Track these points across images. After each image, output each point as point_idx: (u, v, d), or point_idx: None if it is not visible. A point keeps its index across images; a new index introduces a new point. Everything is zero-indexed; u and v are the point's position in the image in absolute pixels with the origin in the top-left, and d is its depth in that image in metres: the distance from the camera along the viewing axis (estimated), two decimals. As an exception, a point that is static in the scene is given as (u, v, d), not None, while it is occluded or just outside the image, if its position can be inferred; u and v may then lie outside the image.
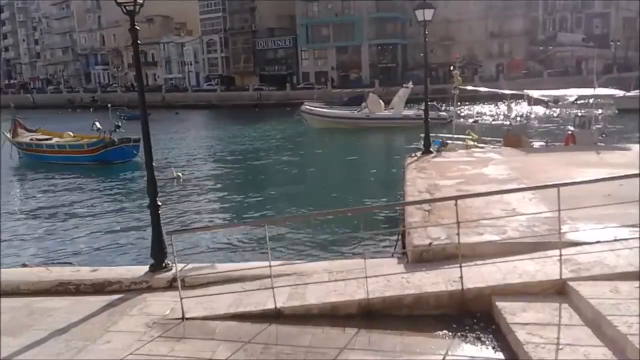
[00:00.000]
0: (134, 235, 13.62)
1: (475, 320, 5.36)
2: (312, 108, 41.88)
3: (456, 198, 5.55)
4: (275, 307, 5.74)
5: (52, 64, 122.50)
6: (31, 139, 30.29)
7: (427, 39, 15.06)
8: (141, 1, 6.90)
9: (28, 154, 30.15)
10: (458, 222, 5.47)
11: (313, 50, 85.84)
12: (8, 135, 30.87)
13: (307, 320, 5.61)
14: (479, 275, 5.80)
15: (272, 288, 5.79)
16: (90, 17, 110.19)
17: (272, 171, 25.18)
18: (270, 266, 5.82)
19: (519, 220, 7.32)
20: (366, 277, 5.68)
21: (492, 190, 8.12)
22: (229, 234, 11.89)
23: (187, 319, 5.78)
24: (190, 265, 7.26)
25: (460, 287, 5.53)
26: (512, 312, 5.10)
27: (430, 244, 6.69)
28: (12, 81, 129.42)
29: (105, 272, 7.14)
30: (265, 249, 6.26)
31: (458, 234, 5.54)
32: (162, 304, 6.24)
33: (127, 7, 6.91)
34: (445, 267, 6.05)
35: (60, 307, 6.38)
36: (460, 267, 5.50)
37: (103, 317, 6.01)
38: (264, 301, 5.94)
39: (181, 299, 5.86)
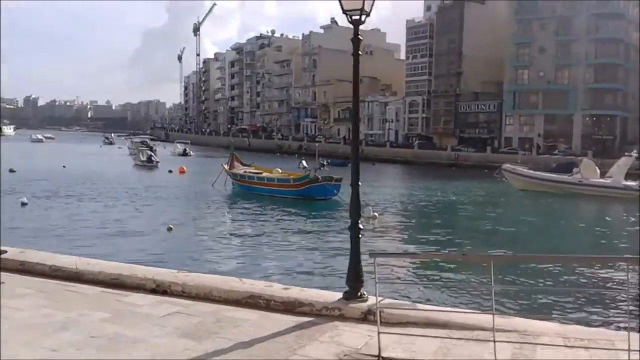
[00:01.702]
0: (327, 263, 13.35)
1: None
2: (516, 168, 39.42)
3: None
4: (496, 366, 4.53)
5: (268, 114, 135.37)
6: (244, 172, 33.05)
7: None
8: (368, 9, 6.43)
9: (240, 185, 32.87)
10: None
11: (519, 116, 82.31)
12: (226, 167, 34.10)
13: (536, 391, 4.31)
14: None
15: (494, 342, 4.59)
16: (306, 75, 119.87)
17: (469, 225, 23.77)
18: (493, 315, 4.65)
19: None
20: (629, 351, 4.19)
21: None
22: (434, 270, 10.79)
23: (383, 358, 4.85)
24: (387, 300, 6.38)
25: None
26: None
27: None
28: (234, 126, 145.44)
29: (297, 292, 6.57)
30: (479, 294, 5.12)
31: None
32: (355, 335, 5.42)
33: (352, 17, 6.49)
34: None
35: (248, 319, 5.92)
36: None
37: (291, 338, 5.37)
38: (478, 355, 4.78)
39: (379, 334, 4.96)
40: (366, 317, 5.90)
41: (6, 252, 7.26)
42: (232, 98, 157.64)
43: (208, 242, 16.74)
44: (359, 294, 6.28)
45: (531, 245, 18.11)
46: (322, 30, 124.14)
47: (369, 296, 6.21)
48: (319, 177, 29.05)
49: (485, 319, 5.53)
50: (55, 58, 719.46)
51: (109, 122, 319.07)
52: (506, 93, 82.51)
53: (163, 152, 68.44)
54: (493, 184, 41.64)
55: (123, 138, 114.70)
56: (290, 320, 5.89)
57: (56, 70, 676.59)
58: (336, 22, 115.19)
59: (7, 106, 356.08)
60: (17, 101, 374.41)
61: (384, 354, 4.88)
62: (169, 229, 18.20)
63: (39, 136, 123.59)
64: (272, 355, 4.89)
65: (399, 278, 10.51)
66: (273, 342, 5.23)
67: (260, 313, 6.16)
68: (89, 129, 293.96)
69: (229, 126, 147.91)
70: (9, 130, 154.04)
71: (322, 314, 6.10)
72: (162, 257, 12.97)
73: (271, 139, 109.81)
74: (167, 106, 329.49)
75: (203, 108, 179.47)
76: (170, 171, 47.05)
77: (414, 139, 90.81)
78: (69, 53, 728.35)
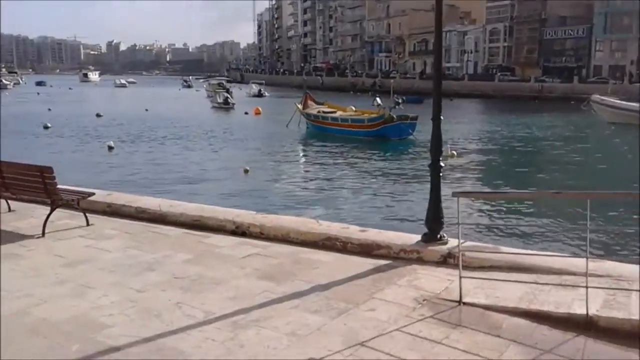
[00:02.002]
0: (404, 205, 13.18)
1: None
2: (605, 98, 36.87)
3: None
4: (587, 314, 4.26)
5: (341, 50, 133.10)
6: (318, 111, 32.88)
7: None
8: None
9: (314, 125, 32.79)
10: None
11: (610, 41, 76.19)
12: (299, 106, 34.05)
13: (633, 342, 4.03)
14: None
15: (587, 288, 4.31)
16: (380, 7, 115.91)
17: (555, 163, 22.59)
18: (587, 258, 4.35)
19: None
20: None
21: None
22: (518, 211, 10.35)
23: (464, 303, 4.69)
24: (468, 243, 6.15)
25: None
26: None
27: None
28: (307, 64, 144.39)
29: (374, 234, 6.47)
30: (569, 236, 4.79)
31: None
32: (434, 280, 5.28)
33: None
34: None
35: (326, 261, 5.91)
36: None
37: (368, 281, 5.31)
38: (567, 302, 4.51)
39: (460, 278, 4.78)
40: (446, 260, 5.73)
41: (93, 194, 7.59)
42: (305, 35, 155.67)
43: (283, 183, 16.98)
44: (438, 236, 6.09)
45: (625, 183, 16.92)
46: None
47: (448, 238, 6.01)
48: (394, 116, 28.43)
49: (575, 262, 5.22)
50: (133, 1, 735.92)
51: (186, 65, 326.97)
52: (597, 16, 76.32)
53: (238, 93, 69.33)
54: (581, 117, 39.26)
55: (201, 81, 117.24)
56: (367, 262, 5.83)
57: (135, 14, 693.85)
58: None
59: (92, 52, 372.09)
60: (100, 47, 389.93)
61: (465, 300, 4.72)
62: (246, 171, 18.62)
63: (122, 81, 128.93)
64: (350, 297, 4.86)
65: (481, 219, 10.12)
66: (351, 285, 5.19)
67: (337, 255, 6.13)
68: (168, 73, 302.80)
69: (302, 65, 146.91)
70: (94, 76, 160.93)
71: (399, 257, 5.99)
72: (239, 199, 13.28)
73: (344, 76, 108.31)
74: (242, 46, 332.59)
75: (276, 47, 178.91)
76: (246, 113, 47.87)
77: (495, 70, 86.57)
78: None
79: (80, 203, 7.29)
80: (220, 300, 4.82)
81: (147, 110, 49.10)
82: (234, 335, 4.13)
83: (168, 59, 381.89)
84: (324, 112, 32.86)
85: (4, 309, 4.57)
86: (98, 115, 41.68)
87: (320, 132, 31.50)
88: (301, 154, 25.47)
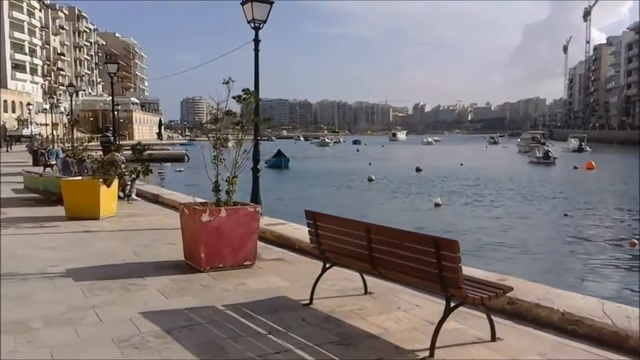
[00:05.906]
0: None
1: None
2: None
3: None
4: None
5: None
6: None
7: None
8: None
9: None
10: None
11: None
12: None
13: None
14: None
15: None
16: None
17: None
18: None
19: None
20: None
21: None
22: None
23: None
24: None
25: None
26: None
27: None
28: (628, 118, 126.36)
29: None
30: None
31: None
32: None
33: None
34: None
35: None
36: None
37: None
38: None
39: None
40: None
41: (511, 289, 4.56)
42: (628, 86, 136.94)
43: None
44: None
45: None
46: None
47: None
48: None
49: None
50: (439, 64, 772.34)
51: (487, 123, 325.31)
52: None
53: (553, 148, 62.76)
54: None
55: (505, 138, 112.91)
56: None
57: (440, 76, 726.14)
58: None
59: (399, 114, 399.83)
60: (407, 109, 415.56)
61: None
62: (633, 244, 13.88)
63: (430, 139, 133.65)
64: None
65: None
66: None
67: None
68: (468, 131, 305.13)
69: (623, 118, 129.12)
70: (402, 135, 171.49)
71: None
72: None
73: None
74: (547, 103, 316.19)
75: (591, 100, 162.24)
76: (575, 167, 41.77)
77: None
78: (452, 58, 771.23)
79: (485, 301, 4.32)
80: None
81: (461, 164, 46.99)
82: None
83: (470, 118, 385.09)
84: None
85: None
86: (418, 170, 40.86)
87: None
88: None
